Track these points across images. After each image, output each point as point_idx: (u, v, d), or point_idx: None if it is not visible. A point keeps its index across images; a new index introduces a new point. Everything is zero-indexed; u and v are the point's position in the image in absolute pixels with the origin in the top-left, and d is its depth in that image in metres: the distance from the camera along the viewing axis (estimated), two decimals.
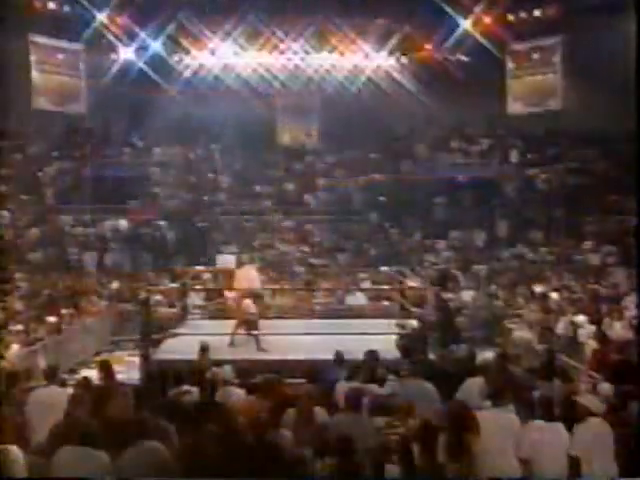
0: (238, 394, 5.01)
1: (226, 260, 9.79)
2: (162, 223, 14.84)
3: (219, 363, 5.59)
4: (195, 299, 9.75)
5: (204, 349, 6.12)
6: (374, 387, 5.05)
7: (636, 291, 7.97)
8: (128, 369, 7.33)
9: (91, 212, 14.61)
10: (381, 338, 7.11)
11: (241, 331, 7.34)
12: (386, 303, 9.42)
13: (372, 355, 5.77)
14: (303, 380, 5.31)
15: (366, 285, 11.00)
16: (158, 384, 4.92)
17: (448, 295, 7.91)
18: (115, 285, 11.65)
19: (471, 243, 14.48)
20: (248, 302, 7.30)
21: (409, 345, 6.28)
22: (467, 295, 10.11)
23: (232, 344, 7.18)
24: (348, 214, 15.49)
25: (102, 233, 14.39)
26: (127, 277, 12.27)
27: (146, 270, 12.65)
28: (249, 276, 7.58)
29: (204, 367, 5.59)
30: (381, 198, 16.03)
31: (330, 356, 6.43)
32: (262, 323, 7.55)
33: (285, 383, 5.07)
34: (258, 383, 5.05)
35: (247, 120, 15.90)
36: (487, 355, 6.12)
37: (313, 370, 5.43)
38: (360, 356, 5.73)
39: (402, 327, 7.19)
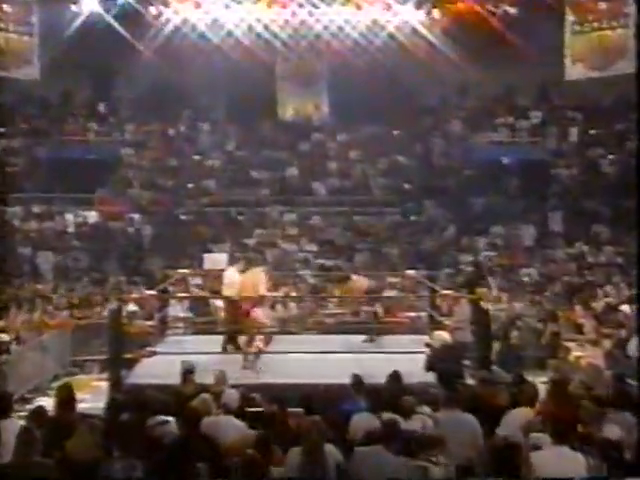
0: (237, 427, 4.98)
1: (216, 261, 9.79)
2: (136, 216, 14.94)
3: (206, 389, 5.61)
4: (178, 309, 9.77)
5: (188, 371, 6.16)
6: (399, 420, 5.03)
7: None
8: (94, 396, 7.35)
9: (47, 202, 14.68)
10: (406, 358, 7.18)
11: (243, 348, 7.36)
12: (412, 314, 9.41)
13: (396, 379, 5.79)
14: (308, 410, 5.30)
15: (388, 293, 10.98)
16: (131, 415, 4.91)
17: (488, 305, 7.87)
18: (78, 292, 11.67)
19: (518, 241, 14.43)
20: (259, 312, 7.30)
21: (441, 367, 6.26)
22: (515, 305, 10.07)
23: (247, 367, 7.22)
24: (365, 205, 15.56)
25: (62, 228, 14.46)
26: (93, 282, 12.31)
27: (117, 274, 12.69)
28: (256, 280, 7.56)
29: (189, 393, 5.60)
30: (406, 185, 16.09)
31: (343, 380, 6.45)
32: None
33: (288, 413, 5.07)
34: (255, 413, 5.05)
35: (241, 89, 15.75)
36: (539, 380, 6.12)
37: (323, 398, 5.47)
38: (381, 380, 5.81)
39: (432, 344, 7.16)
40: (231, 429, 4.91)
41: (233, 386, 5.79)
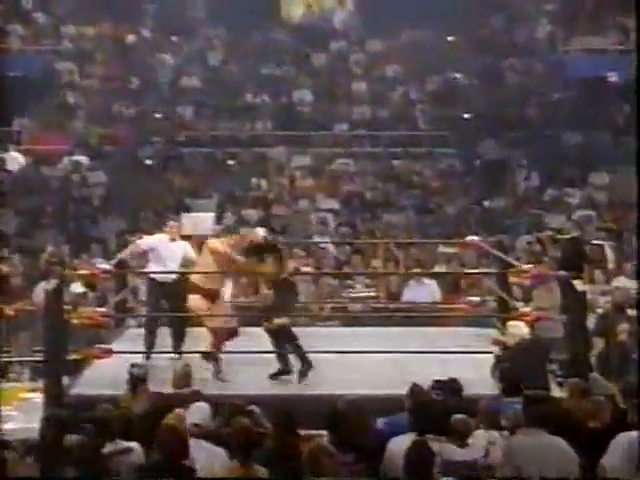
0: (213, 455, 5.05)
1: (197, 223, 9.82)
2: (82, 159, 14.99)
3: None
4: (142, 291, 9.80)
5: (139, 379, 6.36)
6: (453, 447, 5.07)
7: None
8: (23, 413, 7.39)
9: None
10: (466, 359, 7.20)
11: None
12: (475, 299, 9.42)
13: (451, 389, 5.85)
14: (322, 430, 5.39)
15: (440, 268, 11.01)
16: (79, 440, 4.97)
17: (585, 287, 7.83)
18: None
19: (629, 193, 14.25)
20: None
21: (515, 372, 6.26)
22: (623, 286, 9.97)
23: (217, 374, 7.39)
24: (407, 145, 15.61)
25: None
26: (21, 253, 12.39)
27: (55, 241, 12.76)
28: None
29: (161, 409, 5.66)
30: (466, 115, 16.04)
31: (376, 390, 6.47)
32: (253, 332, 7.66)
33: (297, 436, 5.13)
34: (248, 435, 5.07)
35: None
36: None
37: (346, 414, 5.45)
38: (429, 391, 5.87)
39: (503, 341, 7.17)
40: (203, 458, 4.99)
41: (224, 397, 5.87)
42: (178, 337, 7.98)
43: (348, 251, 11.71)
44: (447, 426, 5.22)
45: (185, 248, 8.24)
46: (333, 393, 6.68)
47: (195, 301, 7.47)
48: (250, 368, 7.42)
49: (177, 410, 5.26)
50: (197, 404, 5.57)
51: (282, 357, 7.34)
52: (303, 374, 7.20)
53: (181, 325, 8.06)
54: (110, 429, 5.13)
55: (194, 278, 7.52)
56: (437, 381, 5.99)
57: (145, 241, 8.45)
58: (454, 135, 15.76)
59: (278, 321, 7.31)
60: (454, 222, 13.61)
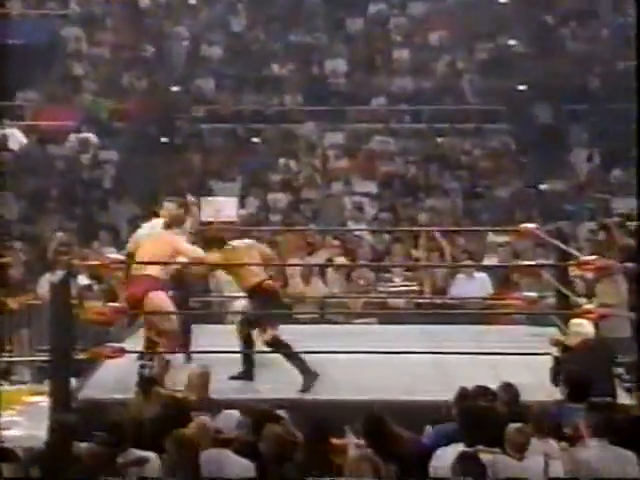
0: (241, 467, 5.07)
1: (219, 207, 9.86)
2: (91, 137, 15.06)
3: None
4: None
5: (148, 381, 6.44)
6: (508, 460, 5.05)
7: None
8: (27, 418, 7.47)
9: None
10: (520, 361, 7.18)
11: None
12: (530, 294, 9.37)
13: (507, 395, 5.81)
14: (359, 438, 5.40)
15: (491, 259, 10.96)
16: (90, 448, 5.00)
17: None
18: None
19: None
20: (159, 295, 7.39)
21: (579, 376, 6.23)
22: None
23: None
24: (454, 120, 15.50)
25: None
26: (23, 241, 12.50)
27: (61, 228, 12.86)
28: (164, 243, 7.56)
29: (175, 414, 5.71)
30: (520, 87, 15.91)
31: (419, 395, 6.48)
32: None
33: (332, 444, 5.16)
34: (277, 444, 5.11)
35: None
36: None
37: (385, 422, 5.44)
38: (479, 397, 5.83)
39: (564, 341, 7.13)
40: (230, 469, 5.02)
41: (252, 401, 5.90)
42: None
43: (387, 240, 11.71)
44: (501, 436, 5.19)
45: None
46: (370, 398, 6.71)
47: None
48: (270, 370, 7.46)
49: (201, 418, 5.26)
50: (226, 412, 5.56)
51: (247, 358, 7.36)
52: (306, 388, 7.13)
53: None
54: (124, 436, 5.15)
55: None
56: (487, 387, 5.95)
57: (139, 232, 8.25)
58: (507, 109, 15.65)
59: (264, 336, 7.27)
60: (506, 207, 13.53)
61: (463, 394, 5.84)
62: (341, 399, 6.90)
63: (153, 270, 7.33)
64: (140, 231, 8.13)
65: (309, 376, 7.15)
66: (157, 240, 7.46)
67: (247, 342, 7.50)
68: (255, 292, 7.45)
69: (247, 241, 7.94)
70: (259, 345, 7.48)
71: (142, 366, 6.48)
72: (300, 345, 7.56)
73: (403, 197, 13.79)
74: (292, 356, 7.26)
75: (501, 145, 15.19)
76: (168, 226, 7.72)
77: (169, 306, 7.34)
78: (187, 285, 8.11)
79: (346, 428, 5.33)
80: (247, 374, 7.36)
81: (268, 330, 7.26)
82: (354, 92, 16.18)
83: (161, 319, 7.34)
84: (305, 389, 7.08)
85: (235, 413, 5.59)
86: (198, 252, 7.51)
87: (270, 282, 7.57)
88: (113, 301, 8.96)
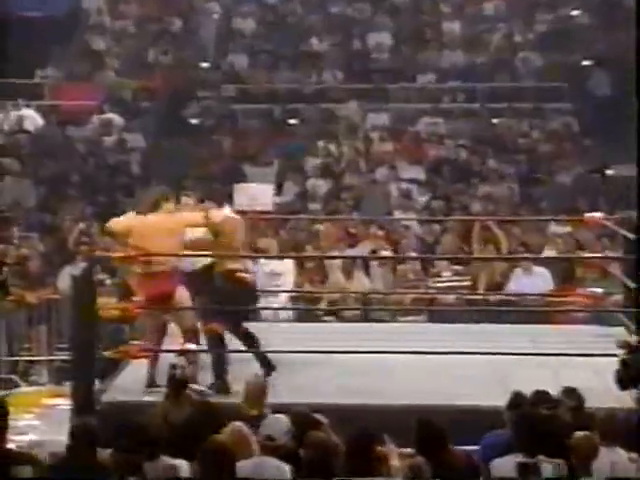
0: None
1: (254, 194, 9.90)
2: (115, 117, 15.13)
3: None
4: None
5: (180, 383, 6.32)
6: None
7: None
8: (46, 422, 7.55)
9: None
10: (583, 364, 7.15)
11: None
12: (595, 290, 9.30)
13: (571, 401, 5.78)
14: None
15: (551, 252, 10.90)
16: (115, 455, 5.02)
17: None
18: (14, 247, 11.95)
19: None
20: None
21: None
22: None
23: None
24: (510, 99, 15.42)
25: None
26: (41, 230, 12.60)
27: (83, 216, 12.93)
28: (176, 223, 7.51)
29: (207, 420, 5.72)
30: (585, 62, 15.84)
31: (471, 400, 6.47)
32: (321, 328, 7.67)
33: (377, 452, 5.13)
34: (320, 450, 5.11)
35: None
36: None
37: (435, 428, 5.41)
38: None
39: (629, 342, 7.05)
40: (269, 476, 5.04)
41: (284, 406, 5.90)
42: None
43: (436, 231, 11.68)
44: (564, 445, 5.16)
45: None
46: (416, 403, 6.70)
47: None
48: (305, 370, 7.47)
49: (236, 424, 5.28)
50: (273, 416, 5.57)
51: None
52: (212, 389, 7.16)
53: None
54: (152, 442, 5.16)
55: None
56: (547, 391, 5.91)
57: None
58: (569, 87, 15.51)
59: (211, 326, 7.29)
60: (569, 194, 13.44)
61: (518, 399, 5.80)
62: (385, 404, 6.89)
63: (173, 263, 7.39)
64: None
65: (220, 385, 7.18)
66: (166, 229, 7.39)
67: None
68: (227, 279, 7.41)
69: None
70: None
71: (173, 366, 6.47)
72: (341, 345, 7.59)
73: (454, 183, 13.72)
74: (219, 359, 7.30)
75: (563, 126, 15.07)
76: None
77: (189, 303, 7.40)
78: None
79: (387, 436, 5.31)
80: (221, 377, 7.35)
81: (214, 324, 7.29)
82: (400, 68, 16.17)
83: (183, 316, 7.38)
84: (211, 390, 7.09)
85: (283, 418, 5.58)
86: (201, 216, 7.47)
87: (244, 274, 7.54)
88: (128, 297, 9.06)
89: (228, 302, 7.38)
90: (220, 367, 7.30)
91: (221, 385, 7.23)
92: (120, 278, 9.79)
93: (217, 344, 7.36)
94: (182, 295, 7.36)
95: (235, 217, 7.68)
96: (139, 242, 7.31)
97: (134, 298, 7.83)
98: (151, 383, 7.25)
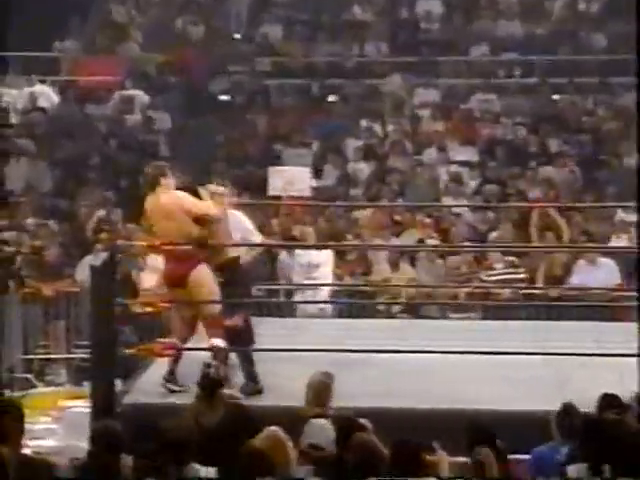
0: None
1: (290, 178, 9.91)
2: (139, 94, 15.22)
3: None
4: None
5: (214, 383, 6.34)
6: None
7: None
8: (65, 425, 7.57)
9: None
10: None
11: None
12: None
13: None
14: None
15: (618, 242, 10.85)
16: (138, 461, 5.07)
17: None
18: (29, 235, 12.05)
19: None
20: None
21: None
22: None
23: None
24: (574, 72, 15.36)
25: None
26: (61, 218, 12.69)
27: (104, 202, 13.00)
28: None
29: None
30: None
31: (527, 405, 6.48)
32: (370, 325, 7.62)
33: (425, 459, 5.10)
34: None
35: None
36: None
37: (487, 434, 5.43)
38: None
39: None
40: None
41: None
42: None
43: (490, 218, 11.66)
44: (635, 457, 5.13)
45: None
46: (469, 407, 6.74)
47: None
48: (347, 371, 7.48)
49: (273, 428, 5.32)
50: (317, 422, 5.58)
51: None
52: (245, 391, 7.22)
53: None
54: (180, 448, 5.19)
55: None
56: (615, 395, 5.90)
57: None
58: (638, 59, 15.36)
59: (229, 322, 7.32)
60: (637, 179, 13.32)
61: (571, 406, 5.82)
62: (433, 408, 6.93)
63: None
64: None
65: (252, 385, 7.26)
66: (169, 213, 7.43)
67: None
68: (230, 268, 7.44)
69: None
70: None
71: (207, 364, 6.49)
72: (384, 343, 7.60)
73: (510, 166, 13.67)
74: (248, 357, 7.35)
75: (631, 103, 14.93)
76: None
77: (213, 284, 7.39)
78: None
79: (436, 443, 5.32)
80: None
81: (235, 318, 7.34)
82: (451, 40, 16.12)
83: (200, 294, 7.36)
84: (243, 394, 7.16)
85: (328, 424, 5.59)
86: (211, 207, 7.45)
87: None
88: (132, 292, 9.12)
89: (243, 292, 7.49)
90: (250, 366, 7.34)
91: (254, 387, 7.27)
92: (120, 274, 9.77)
93: (243, 340, 7.40)
94: (200, 273, 7.35)
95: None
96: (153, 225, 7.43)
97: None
98: (170, 378, 7.32)
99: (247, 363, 7.38)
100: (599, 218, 11.28)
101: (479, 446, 5.30)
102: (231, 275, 7.48)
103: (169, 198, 7.32)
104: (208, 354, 7.03)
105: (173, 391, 7.27)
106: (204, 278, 7.34)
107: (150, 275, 8.99)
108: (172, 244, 7.28)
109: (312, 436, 5.48)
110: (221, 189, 7.73)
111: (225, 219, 7.50)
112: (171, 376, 7.35)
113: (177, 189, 7.44)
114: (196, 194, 7.42)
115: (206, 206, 7.35)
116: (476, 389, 7.23)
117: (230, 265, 7.49)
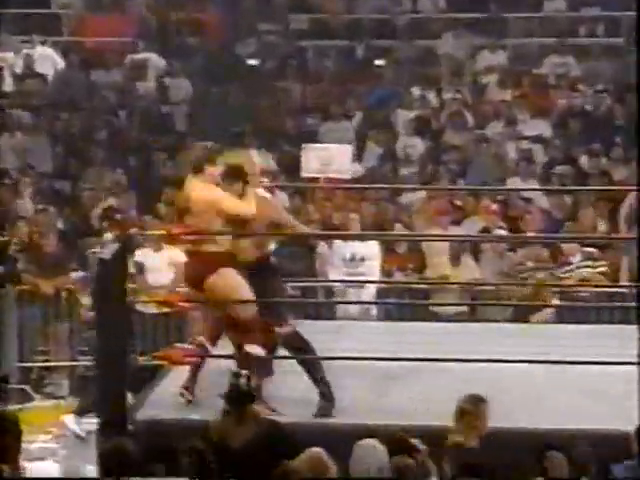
0: None
1: (327, 157, 9.90)
2: (151, 57, 15.31)
3: None
4: None
5: (245, 395, 6.34)
6: None
7: None
8: (65, 444, 7.67)
9: None
10: None
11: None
12: None
13: None
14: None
15: None
16: None
17: None
18: (27, 221, 12.12)
19: None
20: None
21: None
22: None
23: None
24: None
25: None
26: (62, 202, 12.75)
27: (114, 185, 13.06)
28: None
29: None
30: None
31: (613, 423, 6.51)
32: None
33: None
34: None
35: None
36: None
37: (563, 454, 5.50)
38: None
39: None
40: None
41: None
42: None
43: (567, 204, 11.65)
44: None
45: None
46: (540, 427, 6.74)
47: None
48: (395, 383, 7.54)
49: (315, 450, 5.31)
50: (367, 443, 5.59)
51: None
52: (322, 412, 7.18)
53: None
54: (201, 472, 5.19)
55: None
56: None
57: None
58: None
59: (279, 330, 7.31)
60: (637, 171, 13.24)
61: None
62: (503, 427, 6.78)
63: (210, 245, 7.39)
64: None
65: (327, 401, 7.19)
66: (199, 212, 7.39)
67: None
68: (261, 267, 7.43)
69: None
70: None
71: (236, 375, 6.48)
72: (442, 349, 7.60)
73: (590, 143, 13.64)
74: (314, 367, 7.29)
75: None
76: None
77: (244, 286, 7.39)
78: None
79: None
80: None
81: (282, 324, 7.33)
82: None
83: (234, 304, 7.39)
84: (319, 415, 7.12)
85: (380, 446, 5.59)
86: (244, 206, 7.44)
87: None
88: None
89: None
90: (322, 381, 7.26)
91: (328, 407, 7.22)
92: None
93: (301, 350, 7.38)
94: (225, 276, 7.33)
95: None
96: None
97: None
98: (188, 385, 7.32)
99: (315, 374, 7.29)
100: None
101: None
102: (261, 274, 7.47)
103: (205, 196, 7.28)
104: (233, 363, 7.05)
105: (190, 401, 7.27)
106: (226, 283, 7.32)
107: (162, 271, 9.00)
108: (195, 233, 7.28)
109: (361, 459, 5.47)
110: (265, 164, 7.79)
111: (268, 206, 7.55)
112: (190, 384, 7.36)
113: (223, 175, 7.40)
114: (240, 174, 7.41)
115: (245, 208, 7.33)
116: (548, 404, 7.23)
117: (260, 262, 7.47)
